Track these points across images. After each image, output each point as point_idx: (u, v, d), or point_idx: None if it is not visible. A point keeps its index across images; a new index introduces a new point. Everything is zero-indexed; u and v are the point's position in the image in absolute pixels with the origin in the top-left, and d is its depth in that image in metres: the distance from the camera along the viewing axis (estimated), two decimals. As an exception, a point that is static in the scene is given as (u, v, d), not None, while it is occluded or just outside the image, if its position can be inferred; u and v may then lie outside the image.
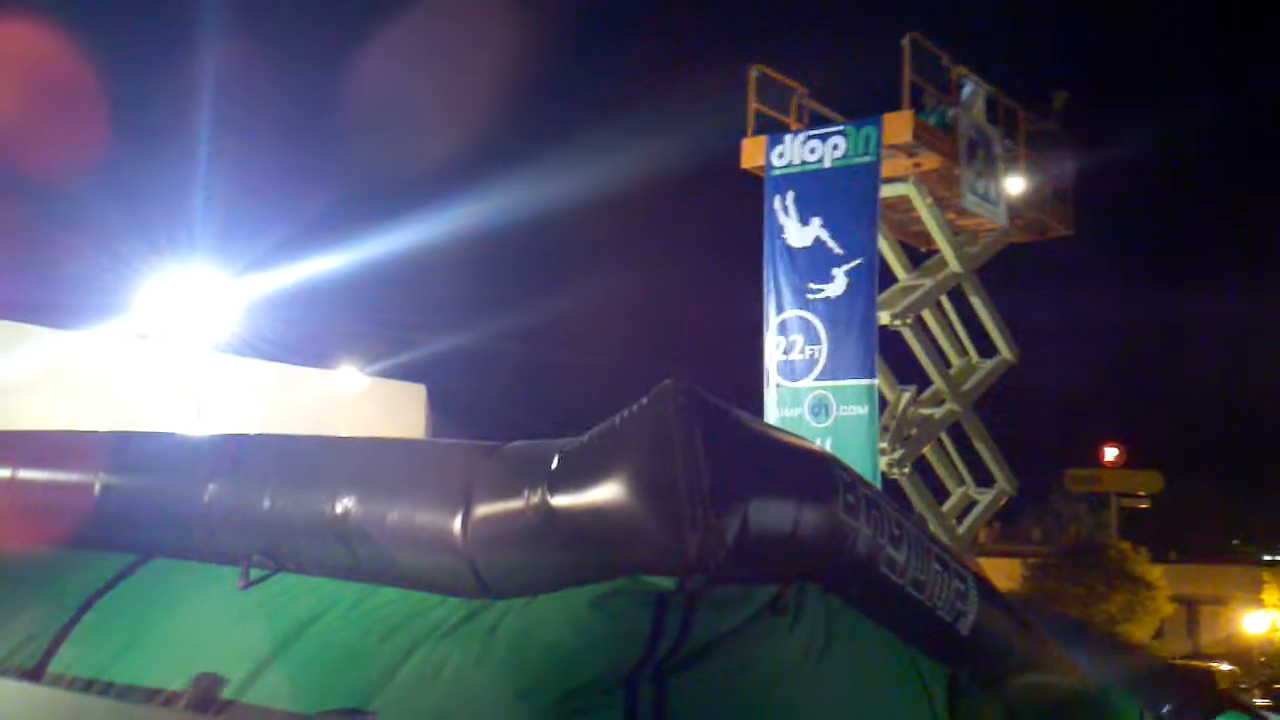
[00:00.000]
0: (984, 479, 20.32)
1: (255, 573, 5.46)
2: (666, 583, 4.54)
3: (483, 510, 4.79)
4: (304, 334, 24.08)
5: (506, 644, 4.70)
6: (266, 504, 5.42)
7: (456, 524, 4.81)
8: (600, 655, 4.54)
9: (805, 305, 16.97)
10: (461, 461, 5.08)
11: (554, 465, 4.63)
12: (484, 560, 4.82)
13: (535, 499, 4.61)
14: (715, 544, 4.43)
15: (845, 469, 4.98)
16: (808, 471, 4.82)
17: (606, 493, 4.49)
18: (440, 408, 23.30)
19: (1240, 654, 38.59)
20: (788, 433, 5.19)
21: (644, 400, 4.61)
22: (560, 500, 4.56)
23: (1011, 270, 20.52)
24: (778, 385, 17.24)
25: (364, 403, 22.04)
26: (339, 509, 5.15)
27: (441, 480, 5.04)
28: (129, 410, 18.40)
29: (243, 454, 5.94)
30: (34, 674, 5.43)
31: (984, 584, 5.74)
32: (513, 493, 4.71)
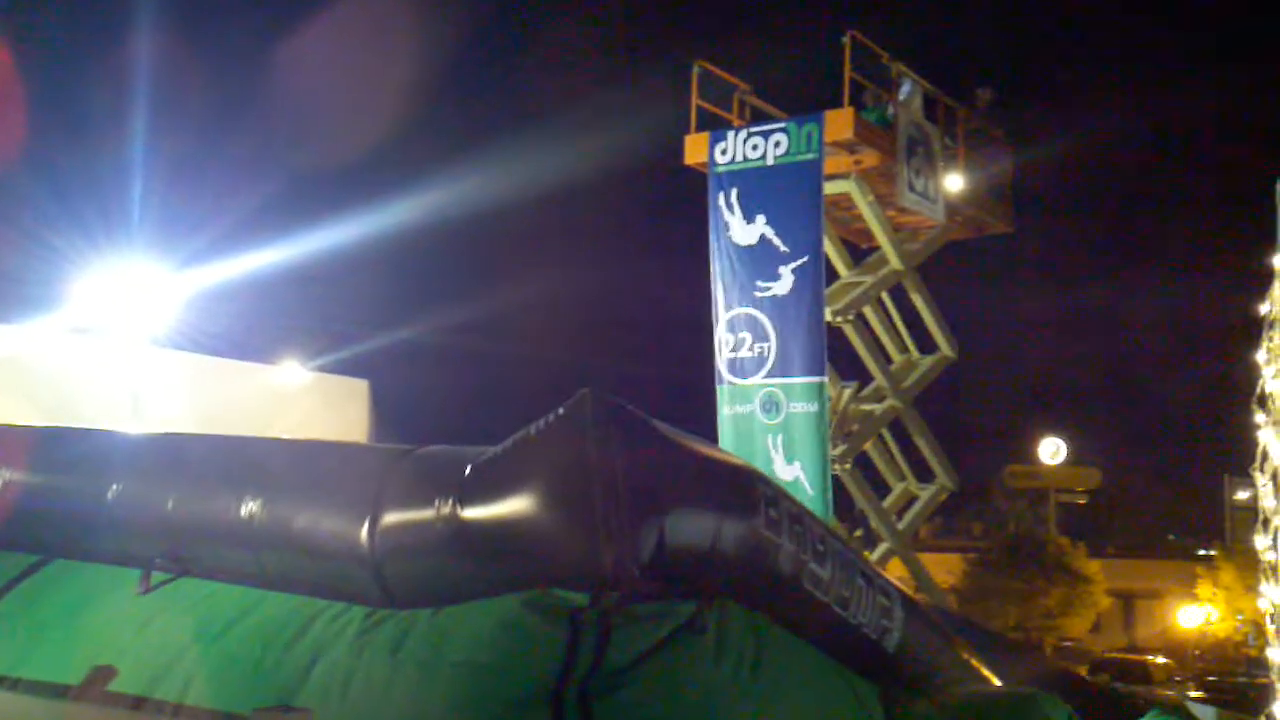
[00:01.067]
0: (924, 475, 20.47)
1: (158, 576, 5.34)
2: (579, 599, 4.45)
3: (391, 518, 4.68)
4: (245, 329, 23.88)
5: (415, 662, 4.57)
6: (170, 506, 5.29)
7: (363, 532, 4.71)
8: (515, 676, 4.40)
9: (753, 303, 17.01)
10: (370, 466, 4.99)
11: (466, 475, 4.54)
12: (391, 569, 4.71)
13: (446, 509, 4.52)
14: (630, 559, 4.35)
15: (768, 483, 4.94)
16: (729, 485, 4.77)
17: (518, 505, 4.40)
18: (385, 404, 23.15)
19: (1175, 647, 39.16)
20: (709, 445, 5.10)
21: (560, 410, 4.53)
22: (471, 512, 4.47)
23: (953, 267, 20.68)
24: (728, 382, 17.28)
25: (306, 398, 21.86)
26: (244, 513, 5.02)
27: (349, 486, 4.93)
28: (64, 406, 18.13)
29: (147, 455, 5.80)
30: None
31: (908, 600, 5.74)
32: (422, 501, 4.62)
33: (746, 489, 4.77)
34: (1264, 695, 22.98)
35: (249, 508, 5.02)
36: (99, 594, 5.48)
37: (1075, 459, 45.65)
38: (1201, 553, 47.04)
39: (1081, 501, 45.37)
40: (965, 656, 6.01)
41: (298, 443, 5.79)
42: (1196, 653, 39.29)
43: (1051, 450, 45.19)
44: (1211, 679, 31.51)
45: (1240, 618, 40.39)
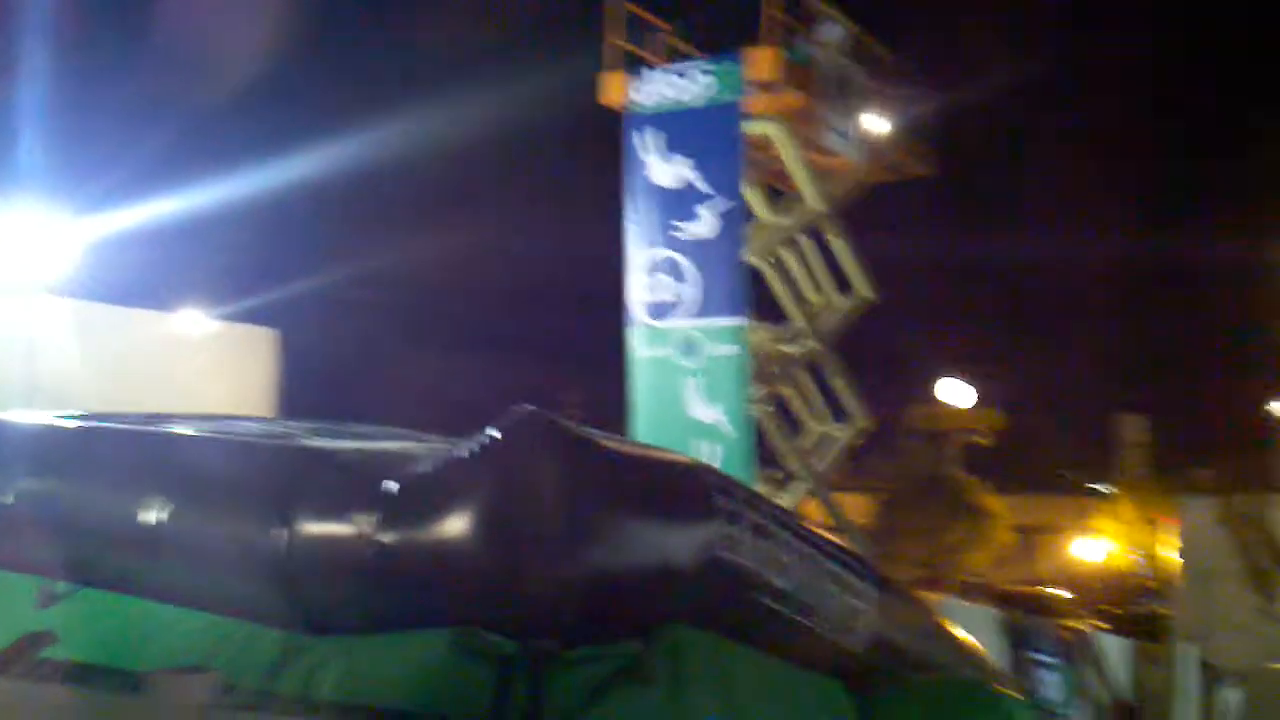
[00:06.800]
0: (841, 416, 20.53)
1: (60, 587, 4.87)
2: (508, 644, 4.10)
3: (307, 532, 4.28)
4: (147, 277, 23.11)
5: (328, 708, 4.18)
6: (68, 507, 4.81)
7: (276, 545, 4.30)
8: None
9: (672, 244, 16.82)
10: (287, 472, 4.56)
11: (393, 495, 4.17)
12: (306, 590, 4.32)
13: (368, 528, 4.14)
14: (569, 599, 4.04)
15: (728, 491, 4.62)
16: (681, 502, 4.46)
17: (447, 533, 4.05)
18: (296, 355, 22.62)
19: (1075, 580, 40.06)
20: (663, 456, 4.78)
21: (495, 430, 4.18)
22: (396, 535, 4.11)
23: (872, 210, 20.64)
24: (645, 325, 17.09)
25: (209, 348, 21.29)
26: (147, 518, 4.54)
27: (263, 492, 4.50)
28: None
29: (43, 447, 5.22)
30: None
31: (888, 589, 5.52)
32: (343, 516, 4.24)
33: (701, 507, 4.48)
34: (1164, 625, 23.59)
35: (153, 513, 4.54)
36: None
37: (979, 400, 46.40)
38: (1092, 488, 48.16)
39: (985, 441, 46.12)
40: (948, 634, 5.90)
41: (209, 440, 5.18)
42: (1097, 585, 40.23)
43: (956, 392, 45.84)
44: (1114, 611, 32.27)
45: (1136, 549, 41.48)
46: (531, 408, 4.27)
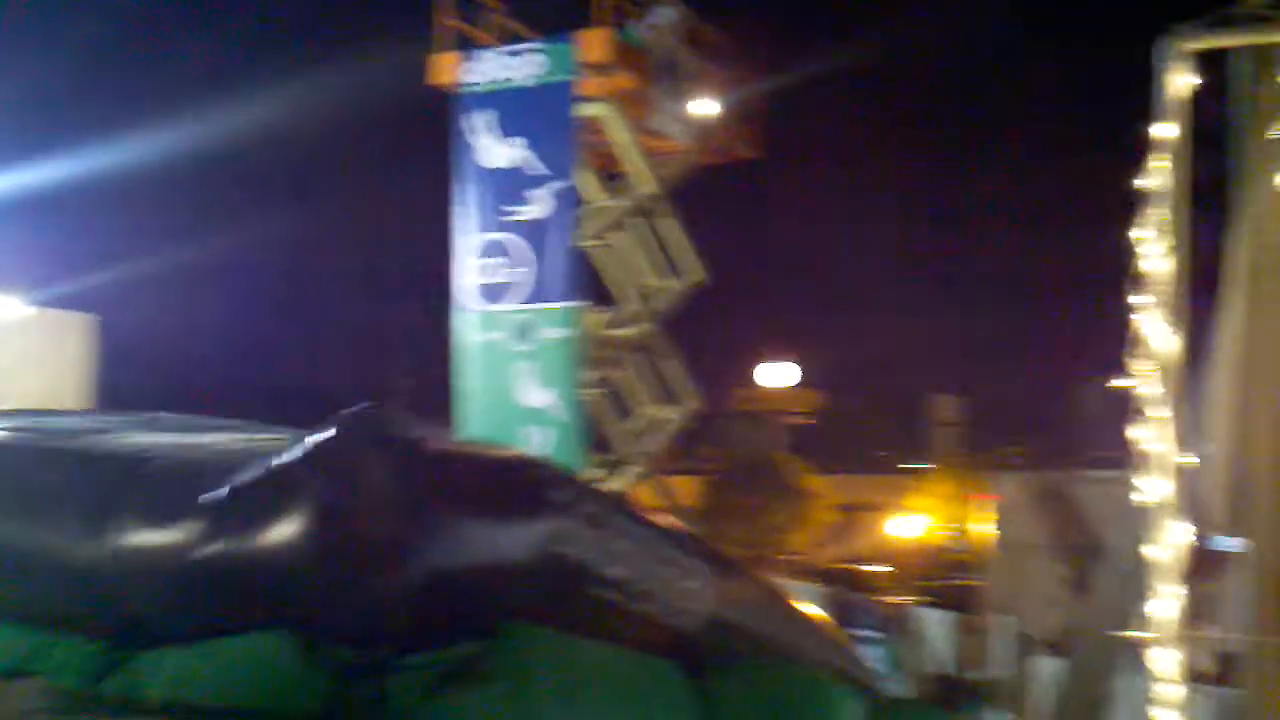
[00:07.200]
0: (671, 398, 20.72)
1: None
2: (343, 651, 4.03)
3: (128, 539, 4.15)
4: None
5: (156, 707, 4.03)
6: None
7: (96, 554, 4.16)
8: None
9: (505, 227, 16.75)
10: (108, 477, 4.40)
11: (218, 500, 4.06)
12: (127, 599, 4.18)
13: (193, 535, 4.04)
14: (402, 606, 4.00)
15: (560, 486, 4.65)
16: (514, 504, 4.44)
17: (275, 541, 3.97)
18: (114, 341, 21.82)
19: (893, 556, 41.23)
20: (495, 453, 4.78)
21: (326, 434, 4.09)
22: (221, 544, 4.02)
23: (703, 193, 20.85)
24: (475, 309, 16.97)
25: (22, 334, 20.41)
26: None
27: (82, 497, 4.35)
28: None
29: None
30: None
31: (728, 570, 5.59)
32: (166, 523, 4.13)
33: (534, 499, 4.48)
34: (975, 597, 24.49)
35: None
36: None
37: (801, 382, 47.47)
38: (912, 467, 49.64)
39: (805, 422, 47.17)
40: (790, 610, 5.99)
41: (23, 446, 4.96)
42: (915, 561, 41.49)
43: (778, 374, 46.81)
44: (930, 585, 33.36)
45: (950, 525, 42.90)
46: (359, 408, 4.19)
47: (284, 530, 3.95)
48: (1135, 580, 5.89)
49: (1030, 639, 18.19)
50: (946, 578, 35.02)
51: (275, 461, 4.11)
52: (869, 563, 37.67)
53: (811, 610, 6.41)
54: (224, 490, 4.08)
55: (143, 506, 4.20)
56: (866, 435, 51.30)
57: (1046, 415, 37.73)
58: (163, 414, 5.80)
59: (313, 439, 4.11)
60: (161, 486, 4.25)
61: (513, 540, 4.35)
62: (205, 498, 4.09)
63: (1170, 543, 3.72)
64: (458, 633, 4.23)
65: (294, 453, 4.10)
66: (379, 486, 3.99)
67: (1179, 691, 3.50)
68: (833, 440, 47.49)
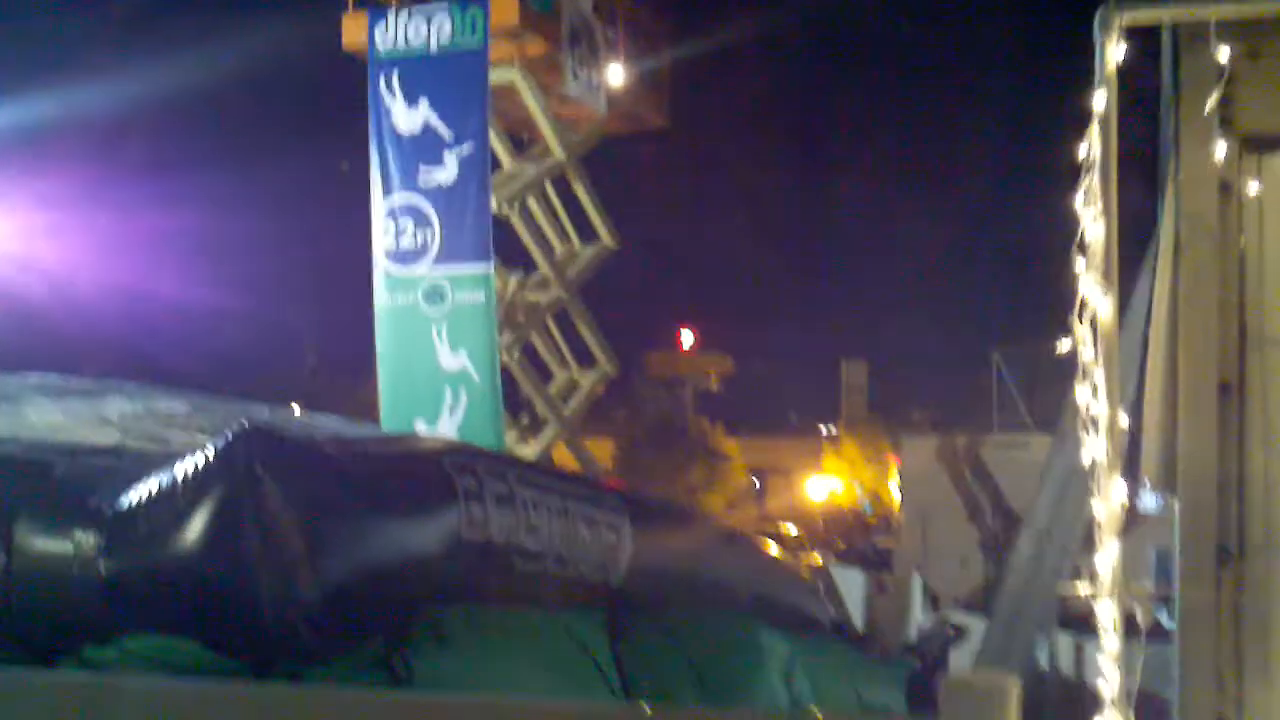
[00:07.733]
0: (586, 361, 20.88)
1: None
2: (238, 666, 3.96)
3: (24, 548, 4.15)
4: None
5: None
6: None
7: None
8: None
9: (416, 190, 16.68)
10: (3, 491, 4.34)
11: (112, 517, 4.04)
12: (21, 608, 4.15)
13: (87, 551, 4.03)
14: (306, 618, 3.97)
15: (469, 470, 4.61)
16: (421, 498, 4.43)
17: (169, 557, 3.96)
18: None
19: (803, 517, 41.90)
20: (399, 448, 4.79)
21: (212, 451, 4.06)
22: (115, 561, 4.02)
23: (614, 159, 20.97)
24: (389, 273, 16.94)
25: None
26: None
27: None
28: None
29: None
30: None
31: (652, 518, 5.64)
32: (61, 535, 4.11)
33: (442, 493, 4.47)
34: (887, 557, 24.97)
35: None
36: None
37: (710, 348, 47.96)
38: (821, 430, 50.29)
39: (715, 387, 47.68)
40: (732, 553, 6.02)
41: None
42: (825, 521, 42.13)
43: (688, 340, 47.23)
44: (840, 544, 33.92)
45: (860, 488, 43.64)
46: (251, 423, 4.16)
47: (177, 550, 3.95)
48: (1053, 539, 6.10)
49: (937, 597, 18.56)
50: (855, 536, 35.71)
51: (170, 478, 4.08)
52: (781, 523, 38.22)
53: (760, 548, 6.46)
54: (119, 508, 4.05)
55: (40, 517, 4.20)
56: (778, 399, 52.09)
57: (953, 380, 38.44)
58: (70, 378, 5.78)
59: (205, 454, 4.07)
60: (60, 500, 4.23)
61: (422, 535, 4.36)
62: (103, 510, 4.06)
63: (1108, 501, 3.95)
64: (371, 628, 4.20)
65: (187, 468, 4.06)
66: (272, 504, 3.97)
67: (1115, 644, 3.72)
68: (744, 404, 48.14)
